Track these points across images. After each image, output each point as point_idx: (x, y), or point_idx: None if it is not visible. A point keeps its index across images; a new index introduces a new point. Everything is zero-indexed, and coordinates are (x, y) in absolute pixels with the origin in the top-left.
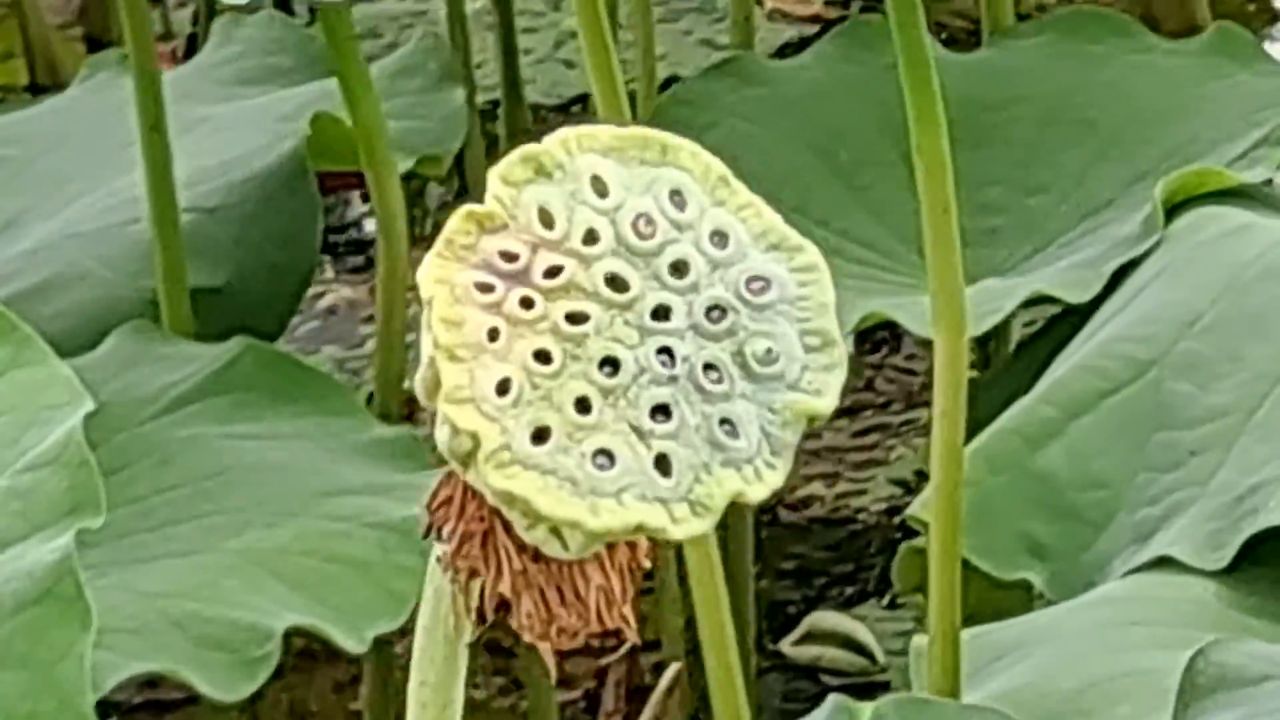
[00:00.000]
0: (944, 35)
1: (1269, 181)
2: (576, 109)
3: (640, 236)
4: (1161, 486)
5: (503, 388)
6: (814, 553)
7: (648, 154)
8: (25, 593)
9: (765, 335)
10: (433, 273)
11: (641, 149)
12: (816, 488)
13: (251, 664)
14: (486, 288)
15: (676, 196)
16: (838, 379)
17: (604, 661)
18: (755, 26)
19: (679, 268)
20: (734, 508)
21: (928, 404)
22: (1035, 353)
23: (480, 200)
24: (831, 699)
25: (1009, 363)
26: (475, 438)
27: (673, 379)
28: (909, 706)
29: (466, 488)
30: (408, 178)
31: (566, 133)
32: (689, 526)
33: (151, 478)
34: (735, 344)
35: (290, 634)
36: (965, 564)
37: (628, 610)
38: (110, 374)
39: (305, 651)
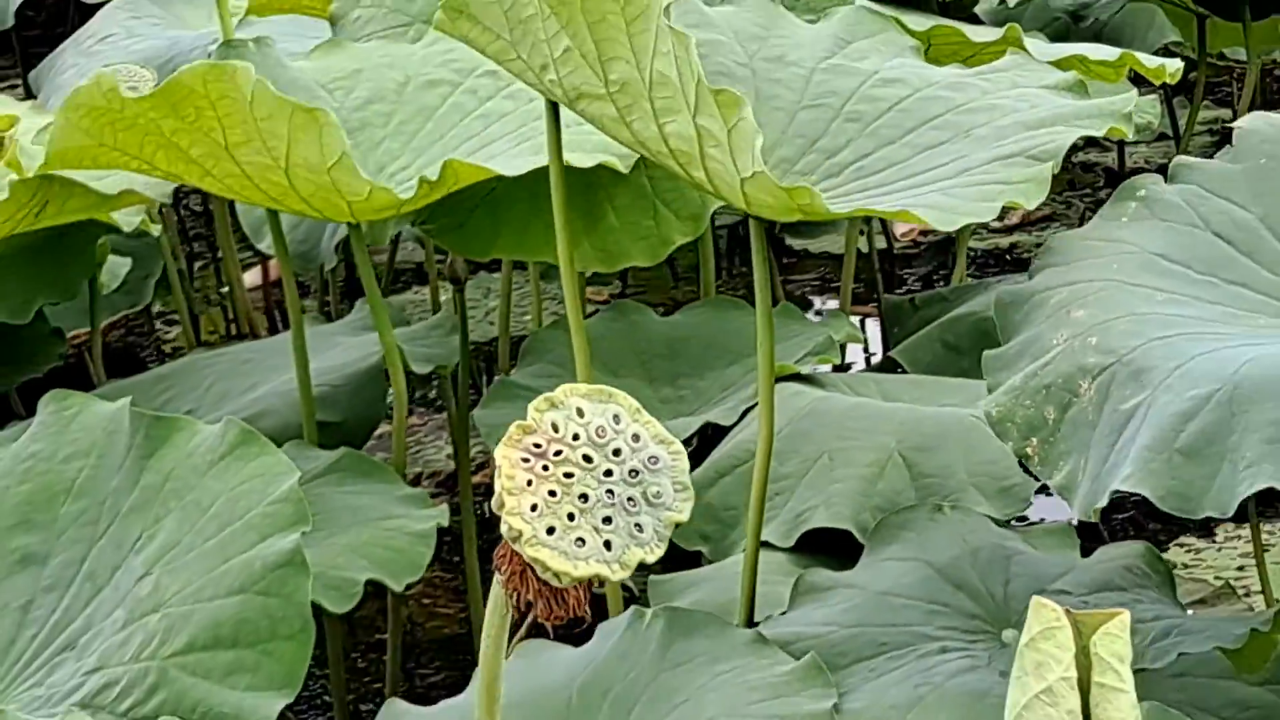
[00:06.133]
0: (662, 307)
1: (814, 371)
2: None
3: (600, 436)
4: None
5: (533, 508)
6: None
7: (601, 397)
8: (278, 560)
9: (656, 484)
10: (501, 451)
11: (599, 394)
12: None
13: (348, 596)
14: (526, 460)
15: (616, 418)
16: (689, 505)
17: None
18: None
19: (617, 452)
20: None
21: None
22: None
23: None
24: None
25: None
26: (519, 531)
27: (613, 504)
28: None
29: (514, 551)
30: (431, 375)
31: (565, 387)
32: (619, 575)
33: None
34: (643, 488)
35: (367, 582)
36: None
37: (586, 607)
38: None
39: (371, 593)
